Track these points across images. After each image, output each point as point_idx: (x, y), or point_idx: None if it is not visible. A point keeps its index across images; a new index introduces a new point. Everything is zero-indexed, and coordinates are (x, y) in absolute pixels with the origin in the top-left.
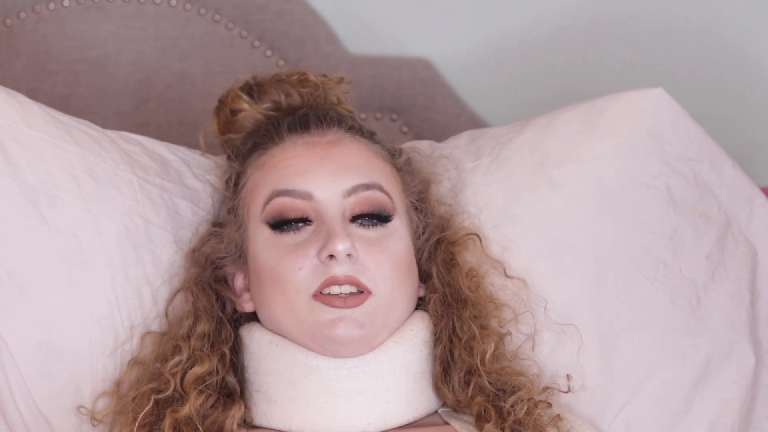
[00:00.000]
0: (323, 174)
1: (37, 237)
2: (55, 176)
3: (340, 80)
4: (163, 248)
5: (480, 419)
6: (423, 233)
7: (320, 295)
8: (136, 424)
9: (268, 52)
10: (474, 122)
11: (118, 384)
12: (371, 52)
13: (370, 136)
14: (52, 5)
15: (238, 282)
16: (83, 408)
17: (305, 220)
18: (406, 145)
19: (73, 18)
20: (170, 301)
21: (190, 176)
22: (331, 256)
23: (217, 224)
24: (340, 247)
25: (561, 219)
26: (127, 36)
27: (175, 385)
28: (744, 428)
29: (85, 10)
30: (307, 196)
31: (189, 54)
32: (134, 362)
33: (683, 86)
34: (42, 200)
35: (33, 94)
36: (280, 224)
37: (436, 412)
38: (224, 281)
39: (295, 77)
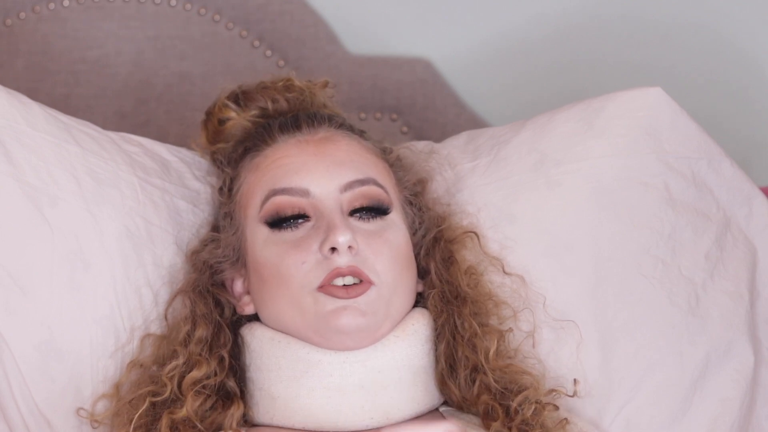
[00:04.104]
0: (318, 170)
1: (38, 237)
2: (56, 177)
3: (325, 84)
4: (164, 249)
5: (487, 417)
6: (419, 228)
7: (324, 287)
8: (132, 426)
9: (268, 52)
10: (474, 122)
11: (117, 386)
12: (371, 52)
13: (360, 133)
14: (52, 5)
15: (237, 286)
16: (83, 410)
17: (304, 216)
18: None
19: (73, 18)
20: (170, 303)
21: (191, 177)
22: (333, 249)
23: (214, 229)
24: (342, 239)
25: (559, 218)
26: (127, 36)
27: (172, 388)
28: (744, 427)
29: (85, 10)
30: (304, 193)
31: (189, 54)
32: (133, 364)
33: (682, 86)
34: (43, 201)
35: (33, 94)
36: (279, 222)
37: (437, 409)
38: (222, 285)
39: (281, 83)
